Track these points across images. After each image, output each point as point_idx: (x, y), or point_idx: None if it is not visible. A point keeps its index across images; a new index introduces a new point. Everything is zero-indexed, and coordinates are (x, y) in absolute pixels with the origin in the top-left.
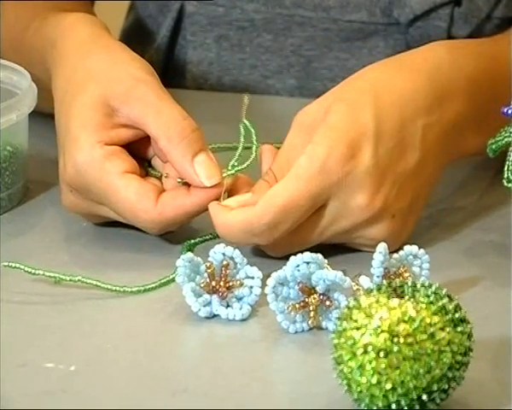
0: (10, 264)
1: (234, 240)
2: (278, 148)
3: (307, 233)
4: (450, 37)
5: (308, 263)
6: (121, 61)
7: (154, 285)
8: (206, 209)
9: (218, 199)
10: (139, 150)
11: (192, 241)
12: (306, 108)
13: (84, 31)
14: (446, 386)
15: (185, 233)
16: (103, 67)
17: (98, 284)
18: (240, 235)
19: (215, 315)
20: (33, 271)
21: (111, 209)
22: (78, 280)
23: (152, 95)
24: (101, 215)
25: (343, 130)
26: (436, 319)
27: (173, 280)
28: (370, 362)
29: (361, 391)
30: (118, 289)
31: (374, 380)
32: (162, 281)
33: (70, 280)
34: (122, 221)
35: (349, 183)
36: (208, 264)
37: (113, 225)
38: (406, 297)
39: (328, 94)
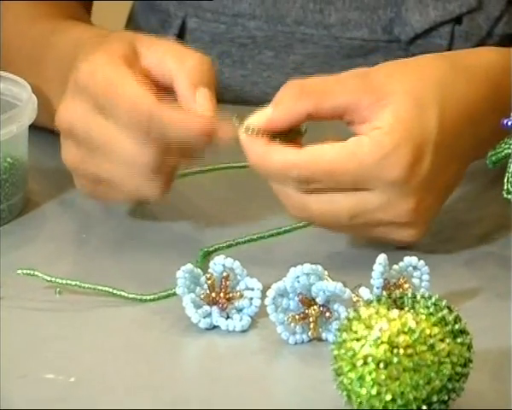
0: (24, 271)
1: (266, 176)
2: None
3: (340, 209)
4: None
5: (308, 274)
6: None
7: (165, 294)
8: (197, 137)
9: (208, 135)
10: None
11: (206, 249)
12: (377, 68)
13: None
14: (446, 397)
15: (191, 243)
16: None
17: (113, 291)
18: (274, 174)
19: (215, 326)
20: (50, 278)
21: (109, 103)
22: (94, 288)
23: (175, 44)
24: (93, 125)
25: (411, 130)
26: (436, 330)
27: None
28: (370, 373)
29: (361, 402)
30: (135, 296)
31: (374, 391)
32: (170, 292)
33: (86, 288)
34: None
35: (404, 186)
36: (208, 275)
37: (113, 237)
38: (406, 308)
39: (394, 67)
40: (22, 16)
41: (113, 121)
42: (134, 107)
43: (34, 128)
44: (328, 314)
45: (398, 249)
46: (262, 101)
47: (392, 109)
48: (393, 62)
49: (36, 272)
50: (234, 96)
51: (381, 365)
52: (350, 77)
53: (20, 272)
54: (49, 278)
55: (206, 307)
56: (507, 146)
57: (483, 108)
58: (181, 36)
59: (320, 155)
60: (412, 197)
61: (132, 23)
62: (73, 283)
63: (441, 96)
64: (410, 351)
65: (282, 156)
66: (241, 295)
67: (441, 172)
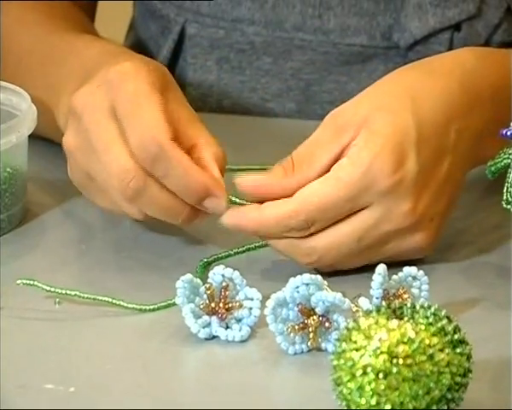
0: (24, 281)
1: (268, 234)
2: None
3: (346, 236)
4: None
5: (307, 284)
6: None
7: (164, 304)
8: (186, 193)
9: (204, 193)
10: None
11: (205, 259)
12: (339, 109)
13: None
14: (445, 407)
15: (190, 253)
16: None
17: (113, 301)
18: (275, 229)
19: (214, 336)
20: (49, 288)
21: (128, 114)
22: (94, 298)
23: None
24: (101, 126)
25: (387, 136)
26: (435, 340)
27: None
28: (370, 383)
29: None
30: (135, 307)
31: (373, 401)
32: (170, 302)
33: (86, 298)
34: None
35: (396, 190)
36: (208, 285)
37: (113, 247)
38: (405, 319)
39: (361, 98)
40: (37, 25)
41: (121, 132)
42: (149, 134)
43: (34, 138)
44: (327, 324)
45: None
46: (260, 107)
47: (365, 127)
48: (362, 93)
49: (36, 282)
50: (232, 102)
51: (381, 375)
52: (324, 130)
53: (19, 282)
54: (48, 288)
55: (206, 317)
56: (506, 156)
57: (462, 104)
58: (180, 42)
59: (309, 195)
60: (408, 198)
61: (133, 31)
62: (73, 293)
63: (413, 98)
64: (409, 361)
65: (276, 209)
66: (241, 305)
67: (431, 168)
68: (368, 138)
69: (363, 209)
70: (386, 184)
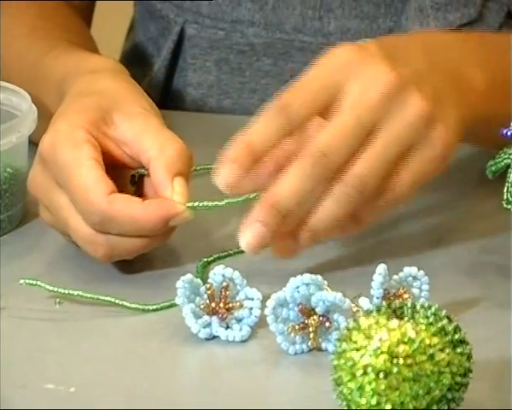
0: (26, 281)
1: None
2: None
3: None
4: None
5: (308, 284)
6: (133, 91)
7: (167, 304)
8: (147, 232)
9: (164, 224)
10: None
11: (206, 259)
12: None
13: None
14: (446, 407)
15: (191, 253)
16: (113, 87)
17: (115, 301)
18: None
19: (215, 337)
20: (52, 288)
21: (66, 187)
22: (97, 298)
23: (155, 122)
24: (54, 202)
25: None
26: (435, 340)
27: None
28: (370, 383)
29: None
30: (137, 306)
31: (373, 401)
32: (172, 302)
33: (89, 298)
34: (68, 229)
35: (361, 59)
36: (208, 285)
37: None
38: (406, 318)
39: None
40: (19, 38)
41: (71, 203)
42: (86, 203)
43: (34, 138)
44: (327, 324)
45: (397, 260)
46: (260, 108)
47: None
48: None
49: (38, 282)
50: (231, 104)
51: (381, 375)
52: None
53: (22, 281)
54: (51, 288)
55: (206, 317)
56: (506, 156)
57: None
58: (179, 43)
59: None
60: (378, 63)
61: (133, 32)
62: (76, 293)
63: (380, 40)
64: (409, 361)
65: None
66: (241, 305)
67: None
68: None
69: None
70: (349, 55)
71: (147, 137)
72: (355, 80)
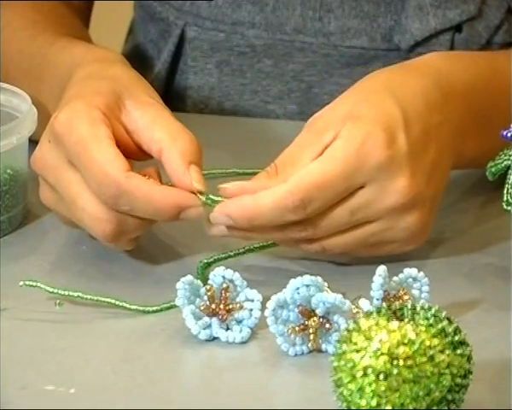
0: (27, 282)
1: (265, 220)
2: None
3: (340, 210)
4: None
5: (308, 286)
6: (143, 82)
7: (167, 305)
8: (158, 215)
9: (177, 211)
10: None
11: (206, 260)
12: (319, 113)
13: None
14: (446, 408)
15: (191, 254)
16: (124, 75)
17: (116, 303)
18: (272, 213)
19: (215, 338)
20: (52, 289)
21: (80, 161)
22: (97, 300)
23: (166, 114)
24: (63, 179)
25: (375, 118)
26: (436, 341)
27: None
28: (370, 385)
29: None
30: (137, 308)
31: (373, 402)
32: (172, 303)
33: (88, 299)
34: (78, 204)
35: (390, 166)
36: (208, 287)
37: (113, 249)
38: (406, 320)
39: (340, 99)
40: (21, 31)
41: (82, 180)
42: (103, 175)
43: (34, 140)
44: (327, 326)
45: (398, 261)
46: (261, 110)
47: (350, 119)
48: (339, 96)
49: (38, 284)
50: (233, 105)
51: (381, 376)
52: (305, 134)
53: (22, 283)
54: (51, 290)
55: (206, 319)
56: (506, 157)
57: (437, 98)
58: (180, 45)
59: (305, 174)
60: (402, 175)
61: (133, 34)
62: (75, 294)
63: (393, 91)
64: (409, 362)
65: (271, 193)
66: (241, 307)
67: (420, 149)
68: (356, 122)
69: (359, 190)
70: (381, 159)
71: (158, 127)
72: (372, 185)
